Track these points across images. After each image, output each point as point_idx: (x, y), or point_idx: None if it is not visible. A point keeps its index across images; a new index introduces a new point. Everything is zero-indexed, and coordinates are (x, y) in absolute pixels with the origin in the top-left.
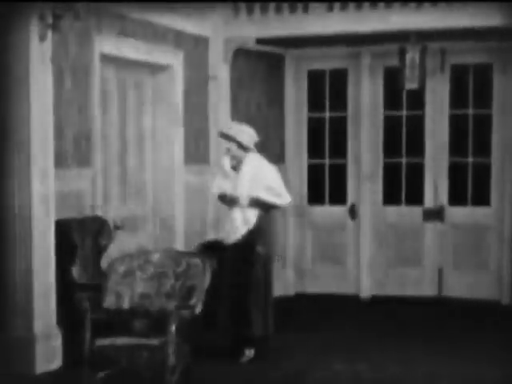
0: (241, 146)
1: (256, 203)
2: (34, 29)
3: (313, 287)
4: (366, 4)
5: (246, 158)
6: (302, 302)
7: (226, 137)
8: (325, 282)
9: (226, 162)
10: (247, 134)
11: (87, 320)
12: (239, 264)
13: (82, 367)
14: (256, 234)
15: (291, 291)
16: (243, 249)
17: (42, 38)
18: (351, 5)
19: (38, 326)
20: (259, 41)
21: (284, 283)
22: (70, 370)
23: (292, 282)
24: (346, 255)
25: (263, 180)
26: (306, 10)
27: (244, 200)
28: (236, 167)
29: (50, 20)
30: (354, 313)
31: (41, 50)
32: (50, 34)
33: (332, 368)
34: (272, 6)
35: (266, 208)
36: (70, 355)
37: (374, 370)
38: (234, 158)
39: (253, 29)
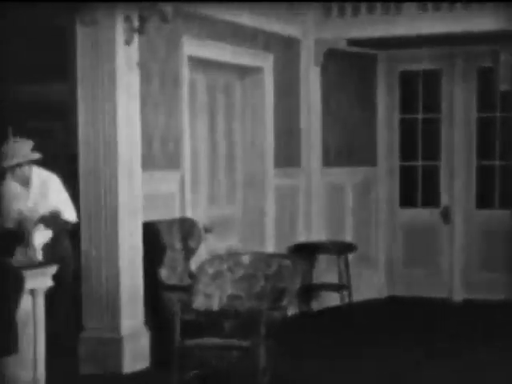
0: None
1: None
2: (120, 32)
3: (404, 290)
4: (459, 4)
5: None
6: (394, 306)
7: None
8: (416, 286)
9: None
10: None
11: (176, 320)
12: None
13: (170, 367)
14: None
15: (382, 294)
16: None
17: (128, 42)
18: (444, 5)
19: (126, 326)
20: (350, 42)
21: (375, 286)
22: (157, 370)
23: (383, 285)
24: (438, 258)
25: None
26: (398, 10)
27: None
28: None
29: (136, 23)
30: (449, 316)
31: (127, 53)
32: (136, 37)
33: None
34: (364, 6)
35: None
36: (158, 355)
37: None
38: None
39: (344, 30)
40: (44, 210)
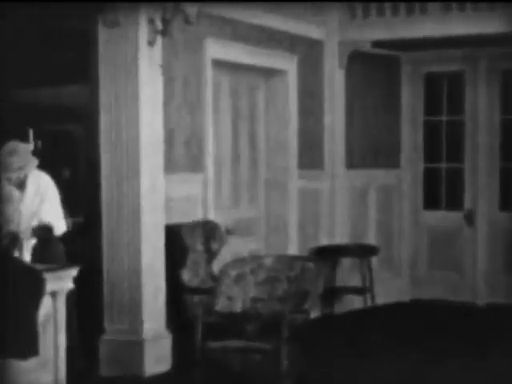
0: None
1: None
2: (143, 33)
3: (427, 294)
4: (484, 6)
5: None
6: (417, 309)
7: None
8: (440, 289)
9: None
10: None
11: (199, 323)
12: None
13: (192, 370)
14: None
15: (406, 297)
16: None
17: (152, 43)
18: (468, 6)
19: (148, 328)
20: (375, 44)
21: (398, 289)
22: (179, 372)
23: (406, 289)
24: (462, 261)
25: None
26: (423, 11)
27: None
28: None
29: (159, 25)
30: (472, 320)
31: (150, 54)
32: (159, 39)
33: None
34: (388, 7)
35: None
36: (180, 358)
37: None
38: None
39: (368, 31)
40: (35, 220)
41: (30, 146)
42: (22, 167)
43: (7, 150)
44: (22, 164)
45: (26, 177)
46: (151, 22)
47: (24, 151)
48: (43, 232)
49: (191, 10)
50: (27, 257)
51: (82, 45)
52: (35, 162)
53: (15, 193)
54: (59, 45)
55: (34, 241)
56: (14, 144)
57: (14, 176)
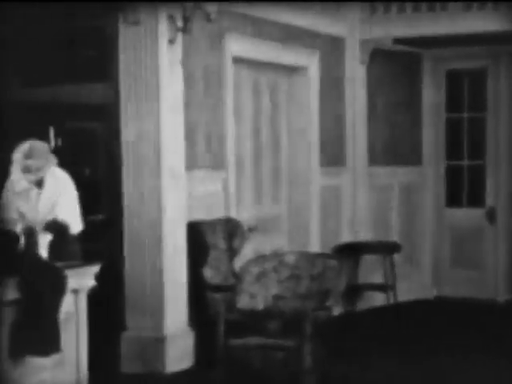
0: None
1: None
2: (164, 31)
3: (449, 291)
4: (504, 3)
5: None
6: (439, 306)
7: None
8: (462, 286)
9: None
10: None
11: (221, 320)
12: None
13: (214, 367)
14: None
15: (428, 295)
16: None
17: (172, 41)
18: (489, 4)
19: (169, 325)
20: (396, 41)
21: (421, 286)
22: (201, 369)
23: (429, 286)
24: (484, 259)
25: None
26: (444, 8)
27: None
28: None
29: (179, 22)
30: (493, 317)
31: (170, 52)
32: (180, 36)
33: None
34: (409, 4)
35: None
36: (202, 355)
37: None
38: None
39: (390, 28)
40: (51, 216)
41: (49, 145)
42: (40, 168)
43: (24, 152)
44: (40, 165)
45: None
46: (171, 19)
47: (42, 151)
48: (57, 227)
49: (211, 7)
50: (44, 253)
51: (102, 43)
52: (54, 160)
53: (33, 191)
54: (80, 43)
55: (49, 237)
56: (31, 144)
57: (32, 178)
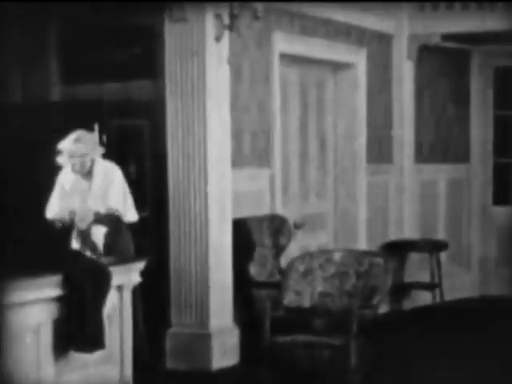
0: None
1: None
2: (210, 29)
3: (497, 290)
4: None
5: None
6: (486, 305)
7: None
8: (509, 285)
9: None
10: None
11: (267, 317)
12: None
13: (259, 364)
14: None
15: (475, 293)
16: None
17: (219, 39)
18: None
19: (214, 322)
20: (444, 37)
21: (468, 285)
22: (246, 366)
23: (476, 284)
24: None
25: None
26: (493, 5)
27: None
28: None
29: (226, 20)
30: None
31: (217, 49)
32: (226, 34)
33: None
34: (458, 1)
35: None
36: (248, 352)
37: None
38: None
39: (438, 25)
40: (103, 208)
41: (96, 137)
42: (85, 154)
43: (72, 138)
44: (85, 151)
45: (92, 166)
46: (218, 17)
47: (89, 139)
48: (110, 218)
49: (258, 5)
50: (100, 245)
51: (148, 40)
52: (100, 150)
53: (82, 183)
54: (126, 41)
55: (103, 229)
56: (79, 132)
57: (78, 162)
